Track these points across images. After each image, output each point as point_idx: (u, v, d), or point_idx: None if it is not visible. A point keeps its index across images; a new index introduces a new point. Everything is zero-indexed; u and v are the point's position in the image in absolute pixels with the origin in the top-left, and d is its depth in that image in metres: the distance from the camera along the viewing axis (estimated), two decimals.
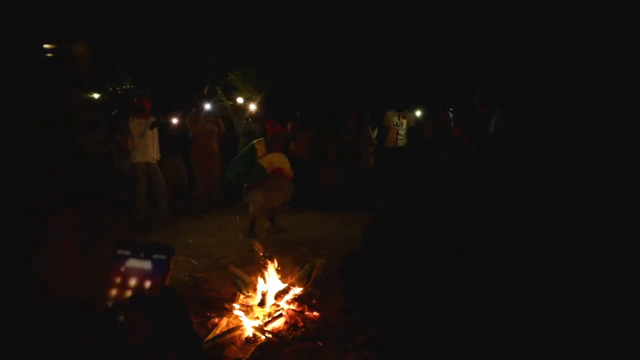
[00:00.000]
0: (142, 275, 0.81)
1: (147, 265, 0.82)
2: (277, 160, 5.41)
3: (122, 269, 0.81)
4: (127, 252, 0.82)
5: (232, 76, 10.78)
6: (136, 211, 6.01)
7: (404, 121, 7.77)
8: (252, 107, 7.87)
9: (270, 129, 5.52)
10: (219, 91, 9.44)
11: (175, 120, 6.94)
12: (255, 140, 5.61)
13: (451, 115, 7.52)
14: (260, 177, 5.35)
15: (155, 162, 6.17)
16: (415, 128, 7.92)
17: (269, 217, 5.80)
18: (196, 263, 4.43)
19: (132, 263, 0.82)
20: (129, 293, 0.78)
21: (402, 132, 7.78)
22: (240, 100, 8.95)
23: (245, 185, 5.47)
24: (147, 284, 0.80)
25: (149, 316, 0.76)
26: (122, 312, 0.76)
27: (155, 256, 0.83)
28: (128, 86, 8.65)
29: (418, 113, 8.47)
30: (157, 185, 6.15)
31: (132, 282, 0.80)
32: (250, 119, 7.69)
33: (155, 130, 6.06)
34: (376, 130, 7.93)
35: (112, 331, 0.70)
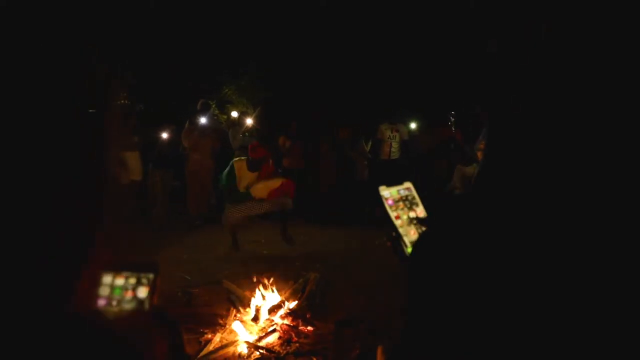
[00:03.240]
0: (129, 296, 0.79)
1: (132, 285, 0.80)
2: (263, 187, 5.24)
3: (107, 291, 0.79)
4: (111, 274, 0.80)
5: (227, 90, 10.84)
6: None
7: (397, 134, 7.82)
8: (249, 121, 7.90)
9: (251, 152, 5.20)
10: (213, 105, 9.48)
11: (165, 135, 6.93)
12: (235, 159, 5.38)
13: (453, 119, 7.52)
14: (244, 199, 5.28)
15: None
16: (408, 141, 7.97)
17: (280, 230, 5.66)
18: (189, 278, 4.42)
19: (117, 284, 0.80)
20: (118, 316, 0.76)
21: (395, 145, 7.82)
22: (234, 114, 9.00)
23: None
24: (136, 304, 0.79)
25: (169, 337, 0.74)
26: (134, 334, 0.75)
27: (142, 275, 0.81)
28: (123, 101, 8.69)
29: (413, 126, 8.53)
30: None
31: (120, 304, 0.78)
32: (246, 134, 7.72)
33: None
34: (369, 143, 7.98)
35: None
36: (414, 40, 8.86)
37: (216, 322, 3.39)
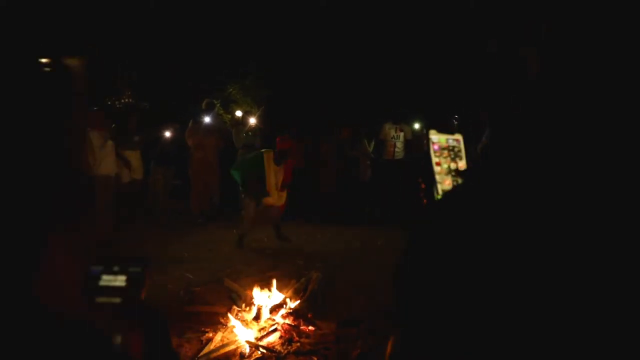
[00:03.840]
0: (118, 292, 0.79)
1: (122, 280, 0.80)
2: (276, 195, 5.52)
3: (96, 287, 0.78)
4: (100, 268, 0.78)
5: (231, 90, 10.84)
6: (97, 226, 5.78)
7: (401, 134, 7.78)
8: (252, 120, 7.90)
9: (280, 144, 5.52)
10: (217, 104, 9.48)
11: (167, 133, 6.95)
12: (264, 150, 5.63)
13: (456, 123, 7.51)
14: (260, 190, 5.39)
15: (114, 175, 6.01)
16: (412, 141, 7.92)
17: (273, 229, 5.81)
18: (192, 277, 4.42)
19: (106, 279, 0.78)
20: (107, 311, 0.76)
21: (399, 144, 7.78)
22: (239, 113, 9.00)
23: (242, 195, 5.54)
24: (124, 300, 0.78)
25: (145, 332, 0.74)
26: (113, 330, 0.74)
27: (131, 269, 0.79)
28: (127, 100, 8.71)
29: (416, 126, 8.49)
30: (107, 200, 5.79)
31: (109, 299, 0.78)
32: (249, 133, 7.73)
33: (111, 143, 5.87)
34: (372, 143, 7.95)
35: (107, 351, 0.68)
36: (414, 40, 8.81)
37: (217, 321, 3.39)
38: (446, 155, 0.94)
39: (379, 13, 8.84)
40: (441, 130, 0.99)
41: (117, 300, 0.76)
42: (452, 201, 0.76)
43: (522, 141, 0.66)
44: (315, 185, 7.50)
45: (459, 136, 0.98)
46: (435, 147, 0.95)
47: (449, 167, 0.93)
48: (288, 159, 5.58)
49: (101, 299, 0.76)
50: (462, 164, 0.93)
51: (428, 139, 0.95)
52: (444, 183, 0.91)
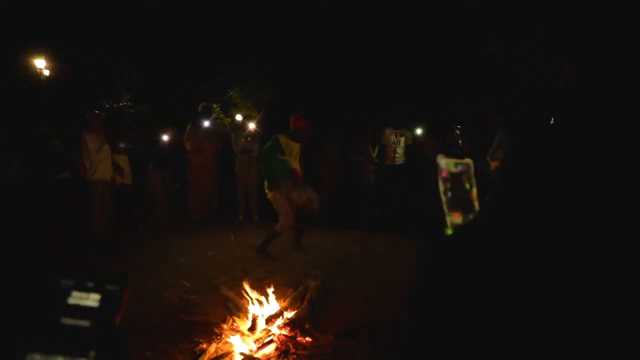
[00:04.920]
0: (89, 313, 0.65)
1: (95, 299, 0.67)
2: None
3: (63, 304, 0.67)
4: (71, 282, 0.66)
5: (232, 93, 10.81)
6: (96, 231, 5.71)
7: (402, 139, 7.68)
8: (251, 125, 7.85)
9: (293, 122, 5.36)
10: (217, 108, 9.43)
11: (165, 136, 6.89)
12: (276, 135, 5.44)
13: (458, 132, 7.46)
14: (285, 176, 5.26)
15: (111, 179, 5.90)
16: (413, 146, 7.82)
17: (296, 232, 5.65)
18: (187, 284, 4.34)
19: (76, 297, 0.66)
20: (73, 336, 0.65)
21: (399, 150, 7.67)
22: (238, 117, 8.95)
23: (270, 192, 5.31)
24: (95, 323, 0.67)
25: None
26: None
27: (108, 287, 0.67)
28: (126, 103, 8.66)
29: (419, 131, 8.39)
30: (105, 205, 5.78)
31: (76, 321, 0.67)
32: (249, 138, 7.66)
33: (108, 147, 5.80)
34: (376, 148, 7.87)
35: None
36: (414, 40, 8.74)
37: (212, 331, 3.31)
38: (456, 183, 0.85)
39: (379, 13, 8.78)
40: (444, 140, 0.91)
41: (86, 323, 0.64)
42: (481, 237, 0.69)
43: (556, 164, 0.59)
44: (315, 186, 7.44)
45: (468, 160, 0.89)
46: (444, 174, 0.86)
47: (455, 196, 0.83)
48: (305, 137, 5.41)
49: (66, 321, 0.65)
50: (474, 192, 0.84)
51: (437, 165, 0.86)
52: (453, 216, 0.82)
